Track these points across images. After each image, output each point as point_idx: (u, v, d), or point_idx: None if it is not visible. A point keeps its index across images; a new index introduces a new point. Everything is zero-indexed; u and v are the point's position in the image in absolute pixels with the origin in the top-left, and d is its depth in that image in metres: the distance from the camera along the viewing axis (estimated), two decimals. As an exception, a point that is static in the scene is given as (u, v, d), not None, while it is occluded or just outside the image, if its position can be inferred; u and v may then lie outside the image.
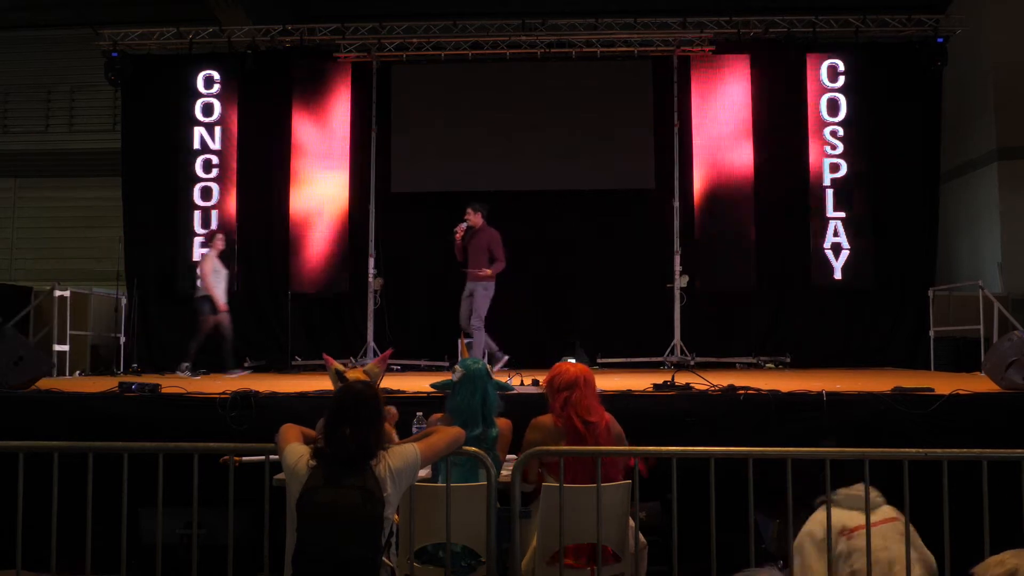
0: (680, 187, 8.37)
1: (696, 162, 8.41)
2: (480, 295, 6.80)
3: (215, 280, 7.34)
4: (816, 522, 2.85)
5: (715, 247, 8.31)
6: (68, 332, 7.42)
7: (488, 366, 3.21)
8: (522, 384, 5.15)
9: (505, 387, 3.25)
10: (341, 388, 2.65)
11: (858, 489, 2.80)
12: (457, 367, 3.19)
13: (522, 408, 3.53)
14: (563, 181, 8.43)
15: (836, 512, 2.79)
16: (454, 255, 7.06)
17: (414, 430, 3.57)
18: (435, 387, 3.35)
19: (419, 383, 5.14)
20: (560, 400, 3.13)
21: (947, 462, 2.79)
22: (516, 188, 8.44)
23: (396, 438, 2.82)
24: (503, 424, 3.19)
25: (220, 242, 7.56)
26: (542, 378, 4.97)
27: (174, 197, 8.57)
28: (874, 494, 2.86)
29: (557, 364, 3.31)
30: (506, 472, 3.06)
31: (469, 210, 6.97)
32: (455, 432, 2.84)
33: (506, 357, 6.89)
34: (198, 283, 7.38)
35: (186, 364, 7.18)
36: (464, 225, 6.94)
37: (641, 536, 3.12)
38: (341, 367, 3.06)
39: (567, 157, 8.42)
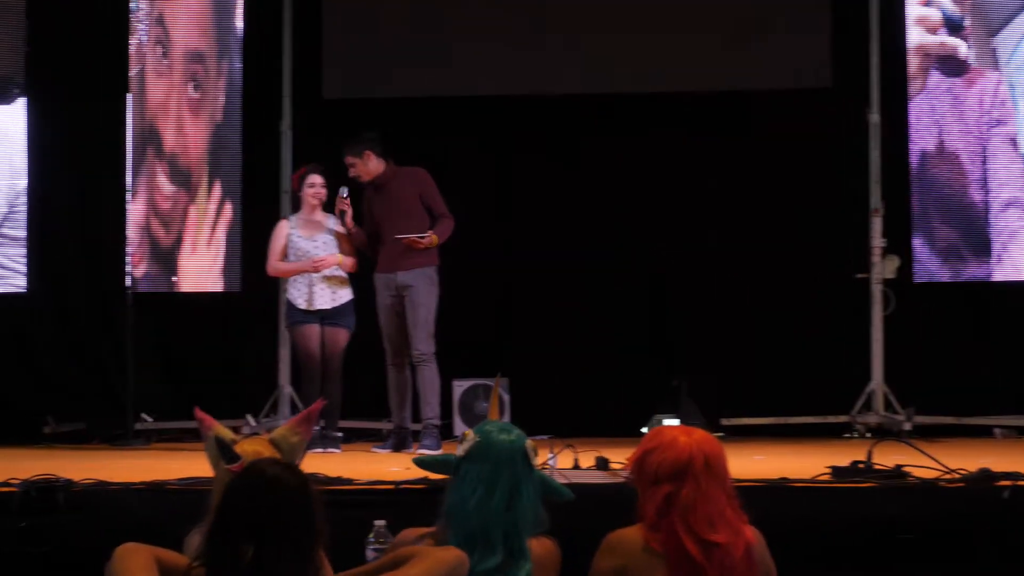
0: (881, 90, 8.42)
1: (911, 46, 8.41)
2: (424, 292, 7.04)
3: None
4: None
5: (950, 201, 8.29)
6: None
7: (530, 442, 3.14)
8: (576, 467, 5.23)
9: (557, 490, 3.24)
10: (238, 475, 2.66)
11: None
12: (469, 433, 3.15)
13: (580, 514, 3.54)
14: (643, 78, 8.59)
15: None
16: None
17: (369, 554, 3.61)
18: (421, 465, 3.35)
19: (380, 464, 5.11)
20: (659, 499, 3.10)
21: None
22: (548, 91, 8.69)
23: (331, 570, 2.81)
24: (543, 551, 3.17)
25: None
26: (618, 456, 5.01)
27: None
28: None
29: (654, 431, 3.30)
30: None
31: (349, 157, 7.19)
32: (452, 558, 2.84)
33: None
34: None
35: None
36: (346, 191, 7.15)
37: None
38: (228, 433, 3.05)
39: (651, 33, 8.56)
